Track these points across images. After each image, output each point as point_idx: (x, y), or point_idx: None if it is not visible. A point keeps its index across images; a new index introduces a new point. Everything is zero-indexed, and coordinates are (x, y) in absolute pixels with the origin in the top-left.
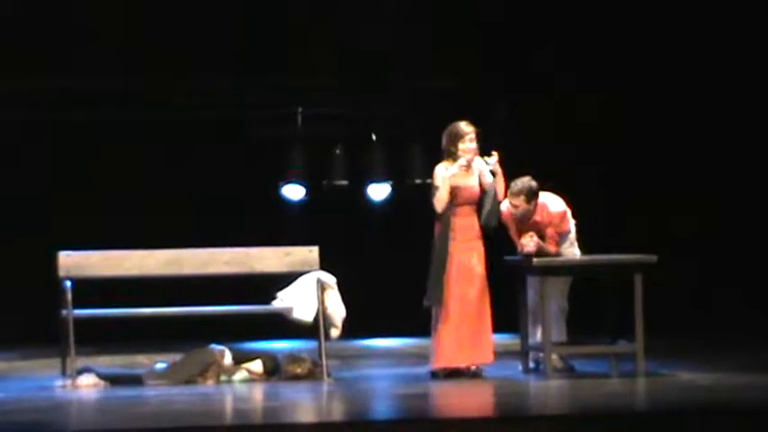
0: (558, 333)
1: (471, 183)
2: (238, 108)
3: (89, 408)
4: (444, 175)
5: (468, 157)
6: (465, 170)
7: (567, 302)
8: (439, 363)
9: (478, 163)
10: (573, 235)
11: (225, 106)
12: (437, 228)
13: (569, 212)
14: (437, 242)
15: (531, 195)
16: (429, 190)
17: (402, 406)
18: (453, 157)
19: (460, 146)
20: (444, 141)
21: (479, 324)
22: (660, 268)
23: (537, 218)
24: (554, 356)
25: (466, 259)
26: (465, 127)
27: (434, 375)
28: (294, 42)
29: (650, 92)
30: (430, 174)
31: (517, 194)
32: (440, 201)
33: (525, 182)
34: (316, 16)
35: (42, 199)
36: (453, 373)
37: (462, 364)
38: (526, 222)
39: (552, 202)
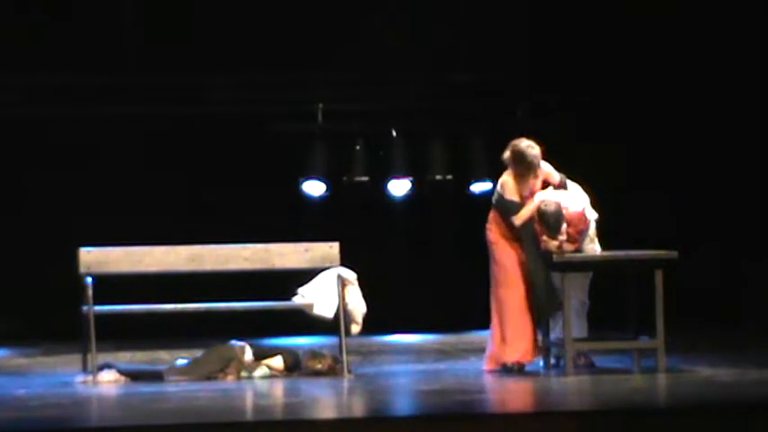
0: (579, 329)
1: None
2: (259, 104)
3: (110, 404)
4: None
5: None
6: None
7: (587, 298)
8: (525, 357)
9: (545, 167)
10: (593, 231)
11: (245, 102)
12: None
13: (588, 210)
14: (528, 255)
15: (554, 230)
16: (506, 205)
17: (422, 402)
18: (519, 173)
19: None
20: (512, 161)
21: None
22: (683, 264)
23: None
24: (575, 352)
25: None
26: (535, 155)
27: (508, 369)
28: (314, 37)
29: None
30: (449, 170)
31: (543, 223)
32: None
33: (553, 213)
34: (336, 12)
35: (64, 196)
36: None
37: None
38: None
39: (572, 203)
